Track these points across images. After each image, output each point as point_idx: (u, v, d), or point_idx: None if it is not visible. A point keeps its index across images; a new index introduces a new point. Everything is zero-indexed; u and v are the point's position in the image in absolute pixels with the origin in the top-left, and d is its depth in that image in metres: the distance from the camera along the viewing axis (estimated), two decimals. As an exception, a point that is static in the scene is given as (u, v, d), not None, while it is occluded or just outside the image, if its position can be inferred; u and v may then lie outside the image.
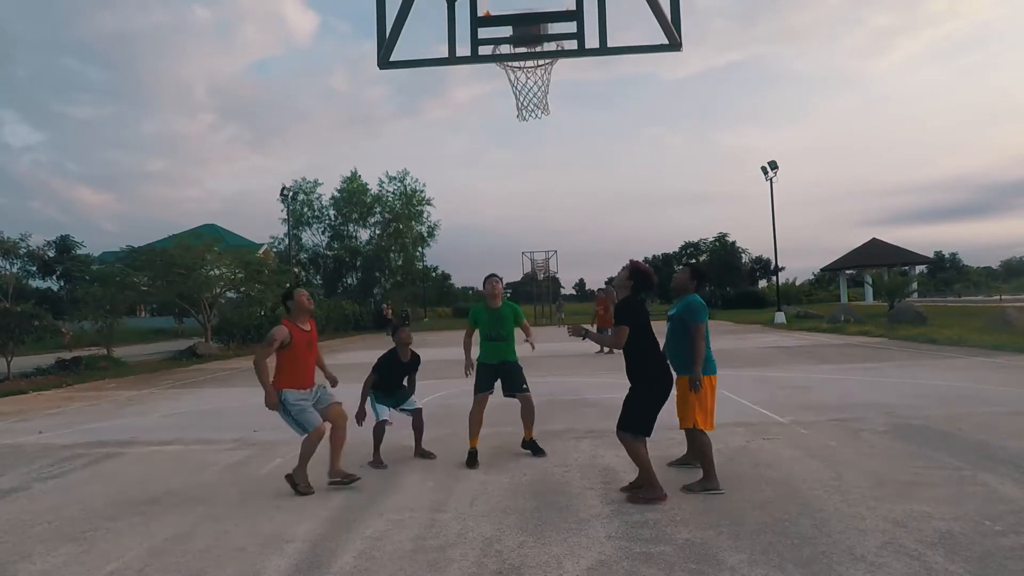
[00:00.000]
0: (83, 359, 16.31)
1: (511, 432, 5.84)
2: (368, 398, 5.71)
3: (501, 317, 5.72)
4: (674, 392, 4.53)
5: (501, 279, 5.91)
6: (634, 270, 4.48)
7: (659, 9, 5.65)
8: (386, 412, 5.64)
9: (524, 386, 5.70)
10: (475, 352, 5.84)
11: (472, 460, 5.46)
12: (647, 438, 4.36)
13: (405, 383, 5.91)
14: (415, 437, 5.90)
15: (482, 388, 5.67)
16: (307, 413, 4.83)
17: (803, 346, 16.55)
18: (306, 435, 4.81)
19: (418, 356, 5.98)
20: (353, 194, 46.26)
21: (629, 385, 4.45)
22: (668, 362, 4.59)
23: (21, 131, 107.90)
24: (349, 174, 47.10)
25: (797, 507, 4.09)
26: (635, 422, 4.33)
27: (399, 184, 46.98)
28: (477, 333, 5.83)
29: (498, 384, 5.73)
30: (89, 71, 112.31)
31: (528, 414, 5.72)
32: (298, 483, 4.82)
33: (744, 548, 3.48)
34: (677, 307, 4.80)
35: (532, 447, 5.76)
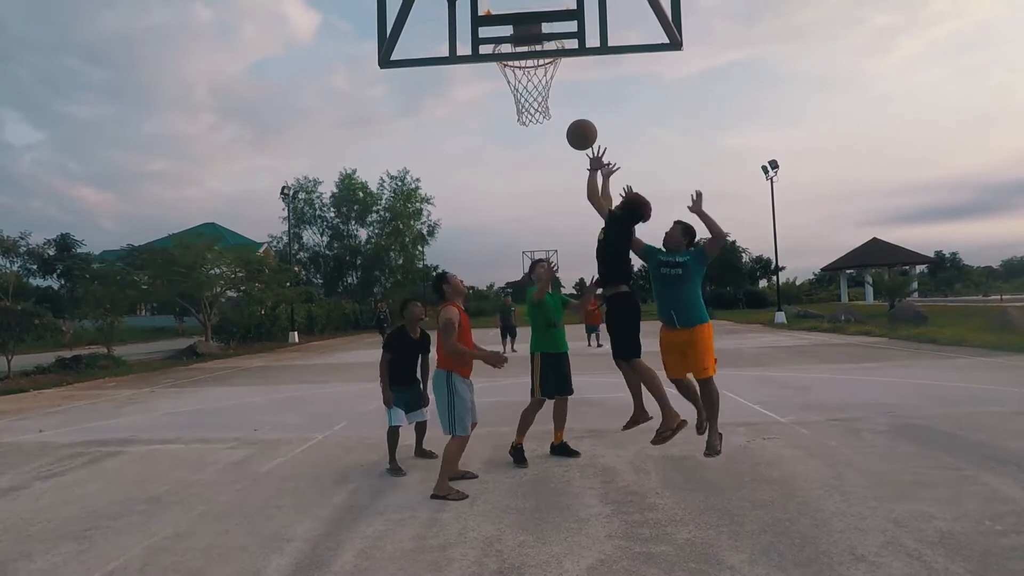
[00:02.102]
0: (83, 358, 16.31)
1: (509, 432, 5.82)
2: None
3: (558, 305, 5.58)
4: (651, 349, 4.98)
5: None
6: (628, 202, 4.98)
7: (660, 8, 5.64)
8: (400, 417, 5.42)
9: (571, 388, 5.58)
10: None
11: (519, 457, 5.39)
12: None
13: (419, 375, 5.67)
14: (416, 437, 5.84)
15: (549, 390, 5.44)
16: (466, 413, 4.70)
17: (803, 346, 16.55)
18: (451, 438, 4.68)
19: (428, 335, 5.75)
20: (351, 192, 46.19)
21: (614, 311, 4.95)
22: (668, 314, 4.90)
23: (22, 130, 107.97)
24: (346, 173, 47.00)
25: (797, 507, 4.08)
26: (628, 346, 4.88)
27: (399, 183, 46.96)
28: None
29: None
30: (90, 71, 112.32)
31: (561, 414, 5.61)
32: (447, 494, 4.54)
33: (744, 548, 3.48)
34: (683, 257, 4.88)
35: (564, 450, 5.63)
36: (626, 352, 4.93)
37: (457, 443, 4.73)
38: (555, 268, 5.59)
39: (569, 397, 5.60)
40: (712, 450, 4.74)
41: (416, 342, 5.62)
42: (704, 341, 4.80)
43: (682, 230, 5.00)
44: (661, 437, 4.52)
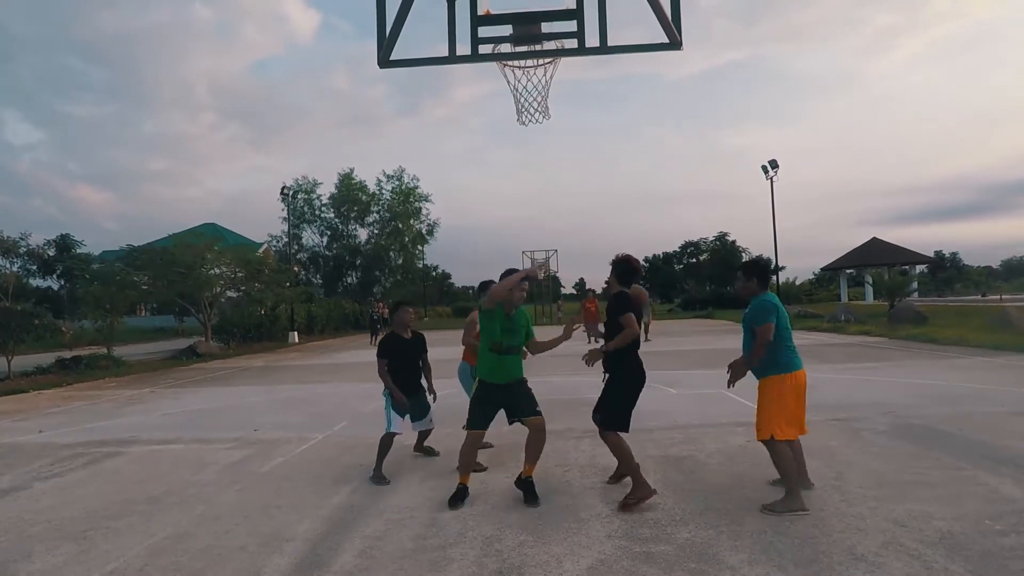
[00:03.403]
0: (83, 358, 16.30)
1: (509, 431, 5.81)
2: (385, 400, 5.29)
3: (515, 325, 4.55)
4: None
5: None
6: (615, 263, 4.50)
7: (659, 8, 5.64)
8: (400, 424, 5.21)
9: (538, 408, 4.53)
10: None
11: (459, 499, 4.42)
12: (625, 433, 4.34)
13: (422, 382, 5.51)
14: (419, 436, 5.71)
15: (481, 423, 4.48)
16: None
17: (803, 346, 16.46)
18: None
19: (422, 335, 5.56)
20: (350, 191, 46.17)
21: (608, 379, 4.44)
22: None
23: (22, 130, 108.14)
24: (345, 173, 46.95)
25: (797, 507, 4.08)
26: (617, 418, 4.31)
27: (397, 182, 46.93)
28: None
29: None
30: (90, 70, 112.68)
31: (536, 444, 4.50)
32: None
33: (744, 548, 3.48)
34: (747, 309, 4.39)
35: (526, 488, 4.44)
36: (608, 421, 4.33)
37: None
38: (528, 284, 4.67)
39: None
40: (770, 509, 4.00)
41: (410, 343, 5.42)
42: (762, 396, 4.19)
43: (743, 274, 4.42)
44: (626, 504, 4.11)
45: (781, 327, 4.22)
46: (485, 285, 5.18)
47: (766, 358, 4.19)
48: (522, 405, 4.53)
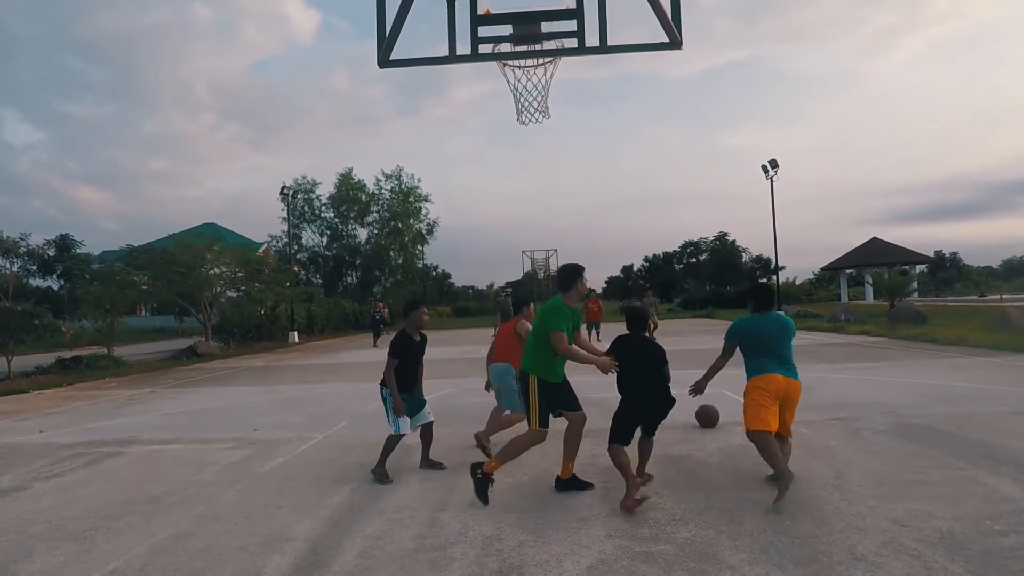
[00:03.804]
0: (83, 358, 16.30)
1: (510, 431, 5.81)
2: (386, 401, 5.25)
3: (576, 322, 4.69)
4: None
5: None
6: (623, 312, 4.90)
7: (659, 7, 5.64)
8: (406, 426, 5.19)
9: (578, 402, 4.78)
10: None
11: (486, 487, 4.42)
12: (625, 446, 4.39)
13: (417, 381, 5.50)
14: (423, 447, 5.58)
15: (548, 421, 4.62)
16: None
17: (803, 345, 16.54)
18: (513, 412, 5.57)
19: (425, 336, 5.60)
20: (349, 190, 46.12)
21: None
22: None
23: (21, 130, 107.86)
24: (344, 172, 46.91)
25: (797, 506, 4.08)
26: (612, 432, 4.46)
27: (395, 182, 46.89)
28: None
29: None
30: (90, 70, 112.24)
31: (577, 438, 4.67)
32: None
33: (744, 547, 3.48)
34: None
35: (575, 484, 4.66)
36: (610, 432, 4.47)
37: (516, 418, 5.49)
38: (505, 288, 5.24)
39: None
40: (776, 503, 4.08)
41: (418, 343, 5.46)
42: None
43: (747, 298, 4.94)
44: (624, 504, 4.17)
45: (750, 343, 4.89)
46: (525, 302, 5.95)
47: (745, 368, 4.80)
48: (572, 400, 4.77)
